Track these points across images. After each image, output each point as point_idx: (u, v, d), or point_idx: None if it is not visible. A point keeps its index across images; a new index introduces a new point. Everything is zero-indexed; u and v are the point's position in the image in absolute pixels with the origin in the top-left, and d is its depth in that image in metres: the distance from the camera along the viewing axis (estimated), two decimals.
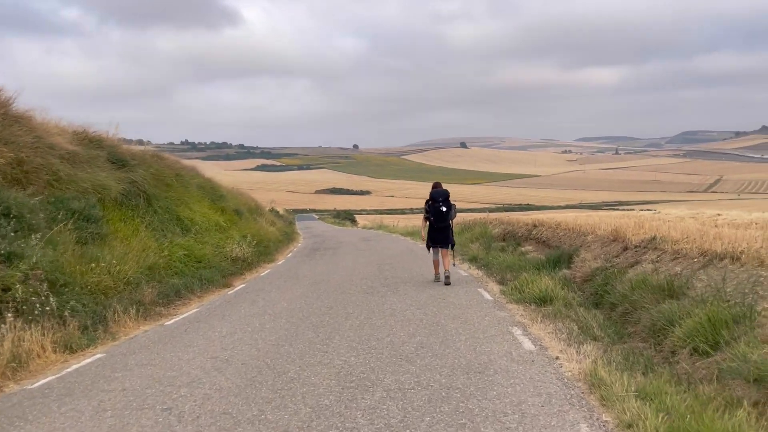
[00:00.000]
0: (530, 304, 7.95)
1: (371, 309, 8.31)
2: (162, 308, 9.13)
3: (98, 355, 6.38)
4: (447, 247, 10.97)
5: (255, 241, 19.43)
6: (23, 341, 6.14)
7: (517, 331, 6.50)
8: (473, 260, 14.06)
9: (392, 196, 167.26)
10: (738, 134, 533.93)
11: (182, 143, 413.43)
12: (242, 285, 12.03)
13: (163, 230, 13.30)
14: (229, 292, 11.01)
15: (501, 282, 10.27)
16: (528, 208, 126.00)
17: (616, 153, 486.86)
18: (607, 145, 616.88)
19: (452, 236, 11.14)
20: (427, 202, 11.08)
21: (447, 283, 10.53)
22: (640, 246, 9.01)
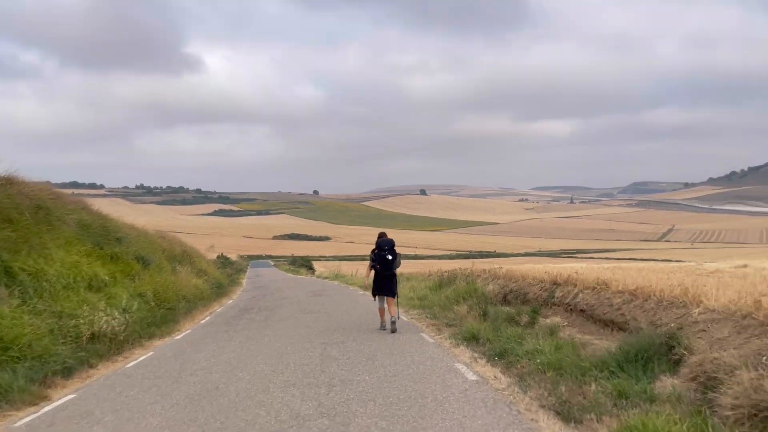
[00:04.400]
0: None
1: None
2: None
3: None
4: (393, 296, 10.93)
5: (155, 302, 14.01)
6: None
7: None
8: (473, 340, 8.91)
9: (352, 242, 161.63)
10: (687, 185, 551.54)
11: (137, 187, 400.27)
12: (66, 398, 6.58)
13: None
14: (15, 425, 5.59)
15: (563, 413, 5.09)
16: (491, 255, 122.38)
17: (571, 202, 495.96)
18: (562, 194, 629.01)
19: (396, 286, 11.17)
20: (373, 251, 11.11)
21: (393, 330, 10.40)
22: None
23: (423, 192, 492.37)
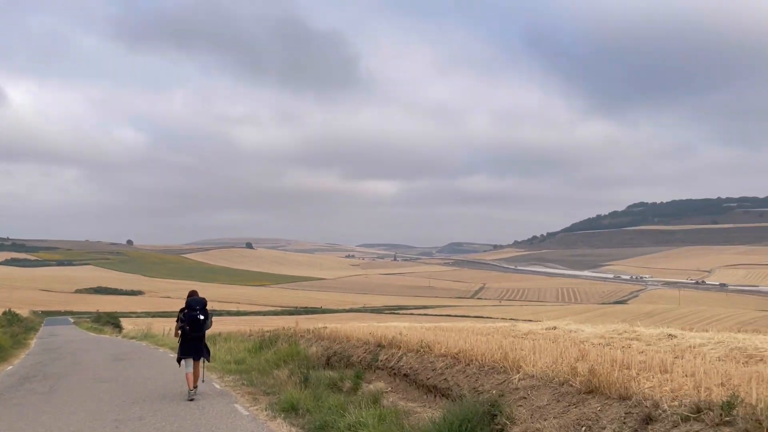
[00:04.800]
0: None
1: None
2: None
3: None
4: (200, 359, 10.35)
5: None
6: None
7: None
8: (292, 411, 8.17)
9: (168, 297, 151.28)
10: (496, 247, 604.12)
11: None
12: None
13: None
14: None
15: None
16: (316, 311, 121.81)
17: (395, 259, 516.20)
18: (386, 252, 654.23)
19: (206, 347, 10.61)
20: (182, 310, 10.35)
21: (194, 397, 9.84)
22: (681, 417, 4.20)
23: (249, 245, 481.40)
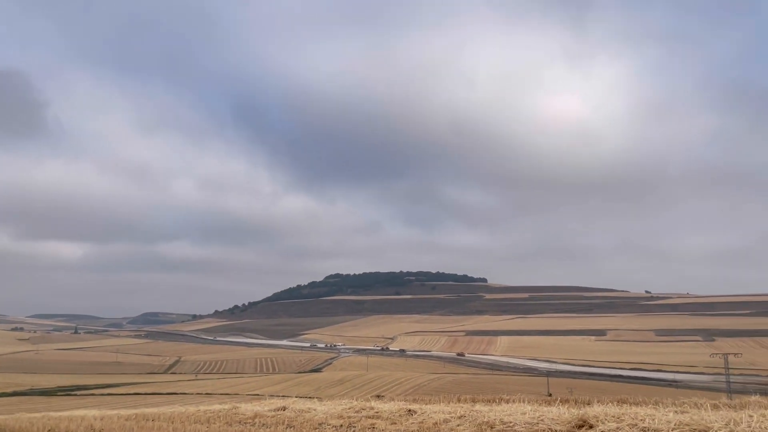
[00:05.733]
0: None
1: None
2: None
3: None
4: None
5: None
6: None
7: None
8: None
9: None
10: (195, 317, 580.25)
11: None
12: None
13: None
14: None
15: None
16: None
17: (76, 332, 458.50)
18: (66, 324, 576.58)
19: None
20: None
21: None
22: None
23: None
